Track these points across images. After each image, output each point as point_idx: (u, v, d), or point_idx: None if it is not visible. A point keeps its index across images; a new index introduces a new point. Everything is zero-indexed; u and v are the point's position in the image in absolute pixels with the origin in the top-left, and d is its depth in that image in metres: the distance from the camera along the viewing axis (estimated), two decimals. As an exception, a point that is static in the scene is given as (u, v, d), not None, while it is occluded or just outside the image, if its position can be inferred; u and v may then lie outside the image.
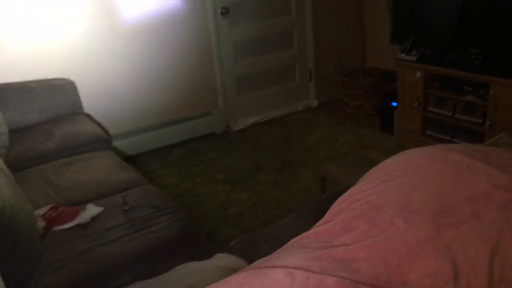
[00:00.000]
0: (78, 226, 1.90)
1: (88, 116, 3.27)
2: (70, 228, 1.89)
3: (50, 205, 2.06)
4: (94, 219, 1.92)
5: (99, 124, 3.14)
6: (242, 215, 2.89)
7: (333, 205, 1.28)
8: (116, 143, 3.61)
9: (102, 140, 2.90)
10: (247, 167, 3.52)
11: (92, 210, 1.97)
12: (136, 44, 3.65)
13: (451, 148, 1.30)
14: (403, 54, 3.51)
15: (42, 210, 2.01)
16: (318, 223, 1.25)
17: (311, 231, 1.21)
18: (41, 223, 1.91)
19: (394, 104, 3.79)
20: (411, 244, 1.03)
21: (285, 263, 1.04)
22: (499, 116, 3.00)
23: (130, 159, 3.70)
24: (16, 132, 2.93)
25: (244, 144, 3.96)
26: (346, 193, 1.29)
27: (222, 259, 1.73)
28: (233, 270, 1.25)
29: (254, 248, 1.71)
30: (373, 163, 1.46)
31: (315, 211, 1.48)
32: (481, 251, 1.04)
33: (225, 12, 3.96)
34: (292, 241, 1.23)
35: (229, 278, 1.05)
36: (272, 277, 0.99)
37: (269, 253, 1.22)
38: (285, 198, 3.05)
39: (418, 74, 3.44)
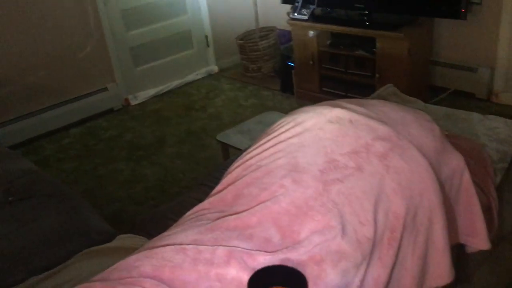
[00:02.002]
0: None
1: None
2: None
3: None
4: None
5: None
6: (148, 192, 2.82)
7: (226, 172, 1.27)
8: (2, 131, 3.33)
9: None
10: (150, 141, 3.42)
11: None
12: (13, 19, 3.32)
13: (335, 104, 1.33)
14: (295, 14, 3.54)
15: None
16: (212, 193, 1.23)
17: (205, 202, 1.19)
18: None
19: (292, 64, 3.85)
20: (300, 203, 1.05)
21: (177, 240, 1.01)
22: (386, 69, 3.16)
23: (21, 146, 3.44)
24: None
25: (145, 118, 3.83)
26: (238, 159, 1.28)
27: (124, 240, 1.67)
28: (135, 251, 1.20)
29: (158, 225, 1.66)
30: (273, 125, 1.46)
31: (218, 179, 1.46)
32: (366, 201, 1.09)
33: (110, -21, 3.72)
34: (187, 214, 1.21)
35: (120, 263, 1.00)
36: (163, 255, 0.96)
37: (171, 228, 1.18)
38: (191, 169, 3.01)
39: (311, 32, 3.50)
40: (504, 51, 3.17)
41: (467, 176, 1.29)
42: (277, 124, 1.35)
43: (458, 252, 1.44)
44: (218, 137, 2.59)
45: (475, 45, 3.28)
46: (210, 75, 4.54)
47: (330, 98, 3.58)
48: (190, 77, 4.43)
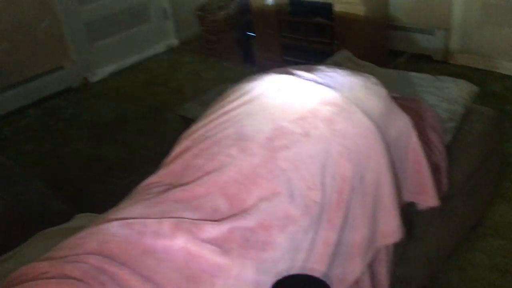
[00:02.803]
0: None
1: None
2: None
3: None
4: None
5: None
6: (110, 170, 2.78)
7: (175, 145, 1.26)
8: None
9: None
10: (111, 119, 3.36)
11: None
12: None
13: (282, 71, 1.32)
14: (252, -18, 3.49)
15: None
16: (161, 165, 1.22)
17: (154, 176, 1.18)
18: None
19: (252, 34, 3.80)
20: (247, 172, 1.06)
21: (123, 214, 1.00)
22: (344, 34, 3.16)
23: (-24, 130, 3.33)
24: None
25: (105, 95, 3.74)
26: (187, 131, 1.27)
27: (81, 219, 1.65)
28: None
29: (117, 202, 1.65)
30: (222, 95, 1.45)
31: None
32: (313, 166, 1.10)
33: (58, -48, 3.57)
34: (136, 189, 1.20)
35: (66, 241, 0.99)
36: (109, 231, 0.95)
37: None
38: (154, 144, 2.98)
39: (270, 0, 3.45)
40: (458, 12, 3.21)
41: (414, 137, 1.32)
42: (225, 94, 1.34)
43: (410, 211, 1.48)
44: (178, 111, 2.56)
45: (431, 8, 3.31)
46: (170, 49, 4.45)
47: (291, 66, 3.58)
48: (150, 52, 4.34)
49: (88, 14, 3.89)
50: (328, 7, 3.17)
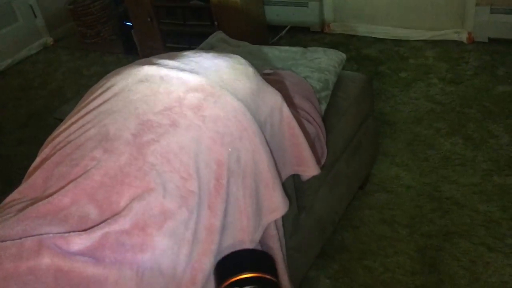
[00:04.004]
0: None
1: None
2: None
3: None
4: None
5: None
6: (-9, 187, 2.56)
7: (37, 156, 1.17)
8: None
9: None
10: (-14, 132, 3.08)
11: None
12: None
13: (145, 62, 1.27)
14: (120, -30, 3.33)
15: None
16: (24, 179, 1.13)
17: (15, 193, 1.08)
18: None
19: (130, 23, 3.66)
20: (115, 173, 1.01)
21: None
22: (222, 15, 3.15)
23: None
24: None
25: (-25, 107, 3.42)
26: (48, 138, 1.18)
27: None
28: None
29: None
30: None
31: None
32: (185, 156, 1.07)
33: None
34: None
35: None
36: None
37: None
38: (37, 153, 2.77)
39: (141, -13, 3.32)
40: (328, -18, 3.33)
41: (286, 111, 1.34)
42: (88, 92, 1.27)
43: (296, 182, 1.52)
44: (56, 115, 2.40)
45: (302, -20, 3.40)
46: (45, 48, 4.15)
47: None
48: (23, 54, 4.01)
49: None
50: (203, -11, 3.13)
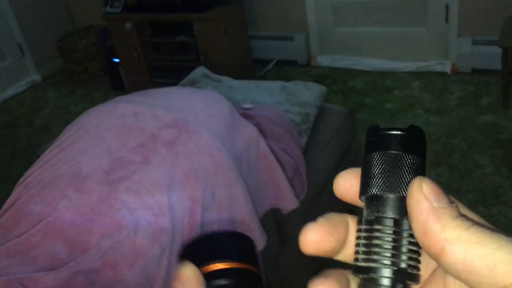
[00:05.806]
0: None
1: None
2: None
3: None
4: None
5: None
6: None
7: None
8: None
9: None
10: (-30, 171, 3.05)
11: None
12: None
13: (120, 100, 1.28)
14: (107, 7, 3.39)
15: None
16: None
17: (-15, 233, 1.06)
18: None
19: (117, 60, 3.70)
20: (86, 211, 0.99)
21: None
22: (208, 50, 3.19)
23: None
24: None
25: (-39, 145, 3.40)
26: (21, 179, 1.17)
27: None
28: None
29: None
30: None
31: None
32: (157, 192, 1.06)
33: None
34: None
35: None
36: None
37: None
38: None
39: (128, 25, 3.38)
40: (312, 16, 3.39)
41: (263, 145, 1.34)
42: (64, 130, 1.26)
43: (277, 216, 1.51)
44: (38, 153, 2.38)
45: (288, 14, 3.46)
46: (32, 86, 4.16)
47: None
48: (10, 92, 4.02)
49: None
50: (189, 25, 3.18)
